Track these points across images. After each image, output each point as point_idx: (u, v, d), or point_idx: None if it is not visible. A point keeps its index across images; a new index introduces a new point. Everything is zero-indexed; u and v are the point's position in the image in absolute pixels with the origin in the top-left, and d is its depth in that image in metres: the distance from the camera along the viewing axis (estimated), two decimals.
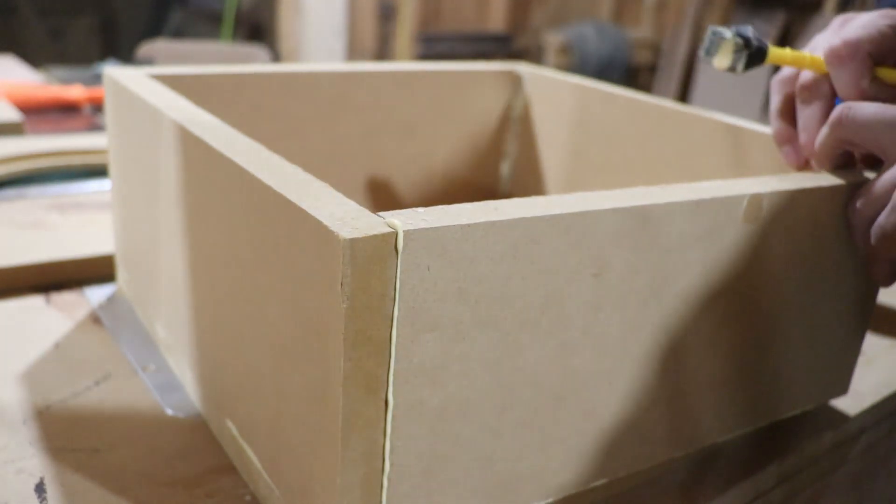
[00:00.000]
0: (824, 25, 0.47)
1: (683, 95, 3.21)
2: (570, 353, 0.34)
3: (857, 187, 0.41)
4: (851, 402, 0.53)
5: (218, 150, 0.36)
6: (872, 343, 0.61)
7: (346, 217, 0.28)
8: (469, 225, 0.29)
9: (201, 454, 0.42)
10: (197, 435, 0.43)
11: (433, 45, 3.17)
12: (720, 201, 0.35)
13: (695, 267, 0.36)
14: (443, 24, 3.29)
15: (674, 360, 0.39)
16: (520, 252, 0.30)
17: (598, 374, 0.36)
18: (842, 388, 0.50)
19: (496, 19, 3.41)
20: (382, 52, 3.20)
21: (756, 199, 0.37)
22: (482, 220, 0.29)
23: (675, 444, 0.42)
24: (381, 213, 0.29)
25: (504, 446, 0.34)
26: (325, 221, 0.27)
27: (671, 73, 3.23)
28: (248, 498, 0.39)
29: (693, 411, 0.42)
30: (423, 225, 0.28)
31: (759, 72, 2.92)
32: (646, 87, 3.44)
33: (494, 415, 0.33)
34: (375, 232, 0.27)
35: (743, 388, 0.44)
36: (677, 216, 0.34)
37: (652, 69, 3.53)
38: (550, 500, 0.38)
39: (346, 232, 0.26)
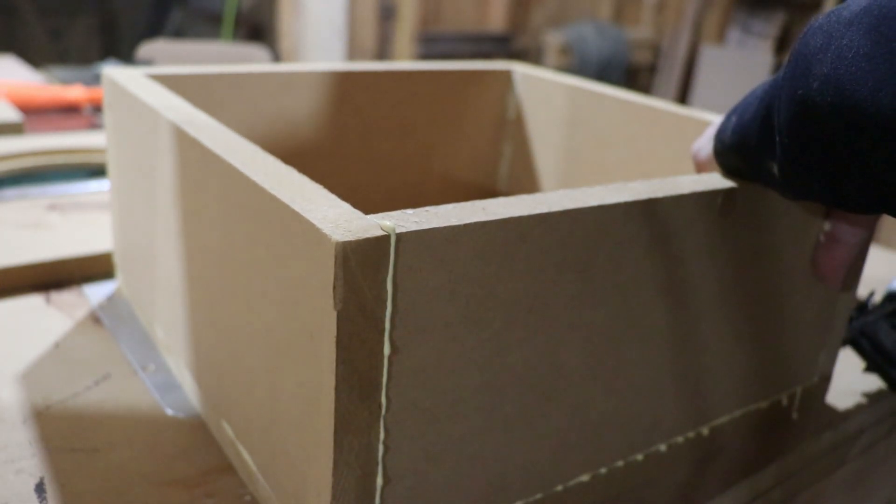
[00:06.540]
0: None
1: (683, 96, 3.21)
2: (557, 349, 0.35)
3: None
4: (851, 402, 0.53)
5: (213, 151, 0.36)
6: None
7: (339, 220, 0.28)
8: (459, 226, 0.29)
9: (201, 454, 0.42)
10: (197, 435, 0.44)
11: (433, 45, 3.17)
12: (697, 196, 0.36)
13: (675, 260, 0.37)
14: (443, 24, 3.29)
15: (657, 351, 0.39)
16: (508, 251, 0.31)
17: (585, 368, 0.36)
18: (815, 371, 0.50)
19: (496, 19, 3.41)
20: (382, 52, 3.19)
21: (731, 193, 0.38)
22: (471, 220, 0.29)
23: (658, 435, 0.42)
24: (372, 216, 0.29)
25: (494, 444, 0.35)
26: (318, 224, 0.27)
27: (671, 74, 3.23)
28: (247, 498, 0.39)
29: (678, 402, 0.42)
30: (414, 227, 0.28)
31: (759, 72, 2.91)
32: (645, 88, 3.44)
33: (485, 413, 0.33)
34: (368, 235, 0.27)
35: (725, 377, 0.44)
36: (659, 212, 0.35)
37: (652, 69, 3.52)
38: (539, 495, 0.38)
39: (338, 235, 0.26)
